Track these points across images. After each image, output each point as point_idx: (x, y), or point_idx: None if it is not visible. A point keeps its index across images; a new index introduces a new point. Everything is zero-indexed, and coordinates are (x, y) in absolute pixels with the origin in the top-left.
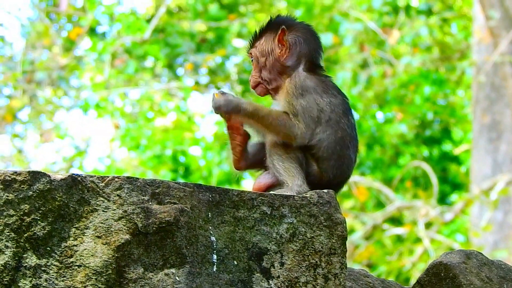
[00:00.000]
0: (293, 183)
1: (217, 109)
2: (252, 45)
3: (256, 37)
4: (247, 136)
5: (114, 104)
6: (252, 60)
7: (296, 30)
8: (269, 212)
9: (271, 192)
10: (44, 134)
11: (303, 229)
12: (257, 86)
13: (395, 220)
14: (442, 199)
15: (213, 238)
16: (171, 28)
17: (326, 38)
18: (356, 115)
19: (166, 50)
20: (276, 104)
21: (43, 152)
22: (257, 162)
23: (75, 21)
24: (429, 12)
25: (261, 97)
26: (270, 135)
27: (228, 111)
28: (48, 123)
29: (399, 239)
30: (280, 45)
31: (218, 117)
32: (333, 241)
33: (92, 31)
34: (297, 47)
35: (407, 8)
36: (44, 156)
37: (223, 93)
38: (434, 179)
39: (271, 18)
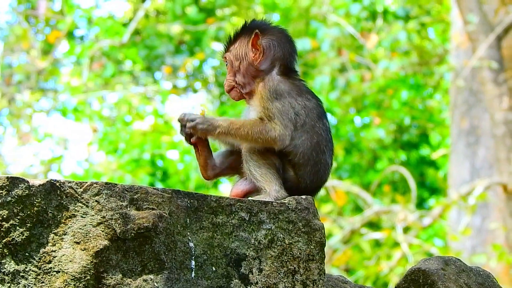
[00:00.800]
0: (271, 189)
1: (192, 127)
2: (227, 49)
3: (230, 42)
4: (210, 148)
5: (92, 107)
6: (226, 64)
7: (271, 34)
8: (247, 218)
9: (249, 198)
10: (22, 137)
11: (281, 235)
12: (232, 90)
13: (373, 225)
14: (420, 204)
15: (191, 244)
16: (148, 31)
17: (304, 43)
18: (333, 120)
19: (144, 52)
20: (250, 109)
21: (21, 155)
22: (226, 170)
23: (54, 25)
24: (407, 18)
25: (236, 101)
26: (250, 145)
27: (203, 129)
28: (26, 126)
29: (377, 243)
30: (253, 49)
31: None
32: (312, 247)
33: (70, 35)
34: (271, 51)
35: (385, 13)
36: (22, 159)
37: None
38: (412, 183)
39: (245, 22)
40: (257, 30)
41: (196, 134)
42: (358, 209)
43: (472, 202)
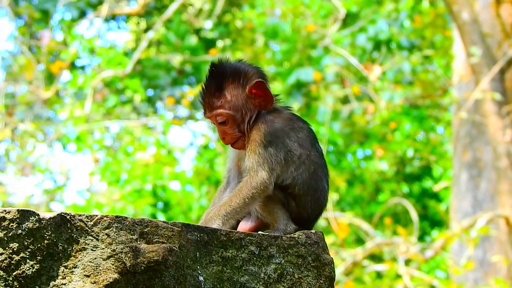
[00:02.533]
0: (279, 223)
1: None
2: (214, 107)
3: (216, 95)
4: None
5: (94, 137)
6: (224, 122)
7: (257, 75)
8: (257, 252)
9: (259, 232)
10: (24, 167)
11: (291, 270)
12: (237, 141)
13: (375, 257)
14: (422, 236)
15: (201, 278)
16: (149, 61)
17: (307, 73)
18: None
19: (144, 82)
20: (246, 154)
21: (22, 185)
22: None
23: (57, 55)
24: (411, 48)
25: (237, 149)
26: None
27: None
28: (28, 156)
29: (378, 275)
30: (254, 95)
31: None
32: (321, 281)
33: (72, 65)
34: (266, 92)
35: (389, 43)
36: (23, 189)
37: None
38: (414, 216)
39: (223, 68)
40: (260, 79)
41: None
42: (360, 241)
43: (474, 235)
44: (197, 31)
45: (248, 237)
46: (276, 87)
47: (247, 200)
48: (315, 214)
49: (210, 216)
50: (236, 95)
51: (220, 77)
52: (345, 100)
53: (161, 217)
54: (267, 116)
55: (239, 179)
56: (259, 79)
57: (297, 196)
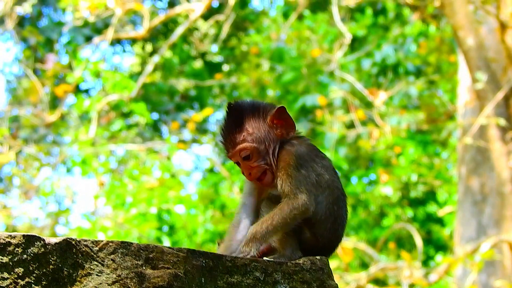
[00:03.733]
0: (286, 250)
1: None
2: (236, 142)
3: (236, 131)
4: None
5: (100, 161)
6: (247, 156)
7: (274, 106)
8: (262, 278)
9: (265, 258)
10: (28, 191)
11: None
12: (265, 174)
13: (379, 281)
14: (426, 261)
15: None
16: (152, 86)
17: (313, 99)
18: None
19: (148, 107)
20: (278, 183)
21: (27, 209)
22: None
23: (62, 78)
24: (417, 73)
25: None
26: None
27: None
28: (33, 179)
29: None
30: (276, 125)
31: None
32: None
33: (77, 89)
34: (288, 119)
35: (396, 67)
36: (28, 212)
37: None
38: (418, 240)
39: (239, 106)
40: (279, 106)
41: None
42: (364, 265)
43: (478, 259)
44: (203, 55)
45: (253, 263)
46: None
47: (288, 220)
48: (331, 245)
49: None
50: (257, 127)
51: (239, 114)
52: (350, 125)
53: (166, 240)
54: (291, 142)
55: (255, 215)
56: (281, 106)
57: (317, 223)
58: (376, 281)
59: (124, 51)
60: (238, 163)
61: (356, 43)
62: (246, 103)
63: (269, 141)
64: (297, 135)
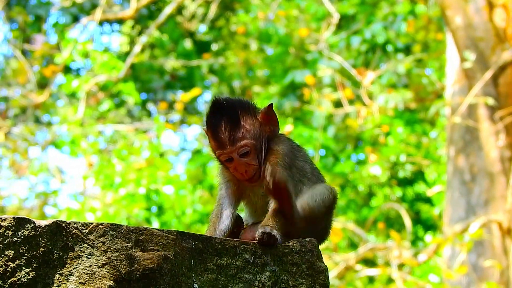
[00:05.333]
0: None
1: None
2: (236, 139)
3: (234, 128)
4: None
5: (88, 141)
6: (247, 153)
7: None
8: (251, 260)
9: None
10: (17, 171)
11: (285, 277)
12: (256, 173)
13: (368, 261)
14: (415, 241)
15: (196, 286)
16: (142, 65)
17: (302, 75)
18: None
19: (137, 86)
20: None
21: (16, 189)
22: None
23: (50, 59)
24: (407, 51)
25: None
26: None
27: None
28: (21, 159)
29: (371, 280)
30: (265, 121)
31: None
32: None
33: (66, 68)
34: (275, 116)
35: (385, 46)
36: (17, 192)
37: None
38: (407, 220)
39: (230, 103)
40: (271, 103)
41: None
42: (353, 246)
43: (467, 239)
44: (191, 35)
45: (242, 245)
46: (270, 89)
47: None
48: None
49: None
50: (253, 124)
51: (233, 110)
52: (338, 104)
53: (155, 221)
54: (275, 141)
55: (235, 206)
56: (271, 103)
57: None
58: (365, 261)
59: (112, 31)
60: (228, 161)
61: (344, 21)
62: (236, 99)
63: (261, 138)
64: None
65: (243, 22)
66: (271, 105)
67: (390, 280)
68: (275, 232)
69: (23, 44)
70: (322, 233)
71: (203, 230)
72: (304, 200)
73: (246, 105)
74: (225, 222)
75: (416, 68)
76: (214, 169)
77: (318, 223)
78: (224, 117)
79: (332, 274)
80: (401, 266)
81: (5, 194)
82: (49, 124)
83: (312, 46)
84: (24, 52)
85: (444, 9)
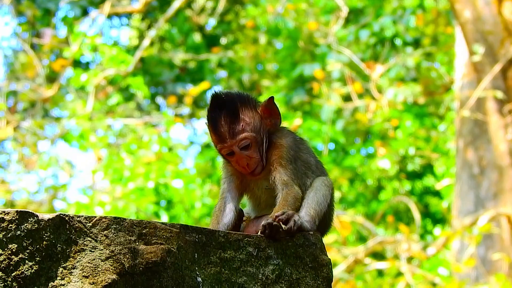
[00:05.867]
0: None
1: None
2: (236, 132)
3: (234, 121)
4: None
5: (97, 135)
6: (246, 146)
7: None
8: (255, 253)
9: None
10: (27, 165)
11: (288, 271)
12: (258, 166)
13: (377, 255)
14: (424, 234)
15: (199, 279)
16: (151, 59)
17: (312, 69)
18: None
19: (146, 79)
20: (273, 173)
21: (25, 183)
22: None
23: (59, 53)
24: (415, 45)
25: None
26: None
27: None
28: (31, 153)
29: (380, 273)
30: (266, 114)
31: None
32: (319, 282)
33: (75, 62)
34: (276, 109)
35: (393, 39)
36: (26, 186)
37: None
38: (416, 214)
39: (230, 97)
40: (271, 96)
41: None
42: (362, 239)
43: (476, 233)
44: (200, 29)
45: (246, 238)
46: (279, 83)
47: (294, 207)
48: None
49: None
50: (253, 117)
51: (232, 104)
52: (347, 98)
53: (164, 215)
54: (277, 135)
55: (238, 200)
56: (271, 96)
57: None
58: (374, 254)
59: (121, 24)
60: (230, 154)
61: (353, 15)
62: (236, 93)
63: (262, 131)
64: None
65: (252, 16)
66: (271, 98)
67: (398, 274)
68: (297, 217)
69: (32, 38)
70: (324, 226)
71: None
72: (312, 208)
73: (246, 98)
74: (229, 215)
75: (425, 62)
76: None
77: (321, 220)
78: (224, 111)
79: (341, 268)
80: (410, 260)
81: (14, 188)
82: (58, 118)
83: (321, 39)
84: (33, 46)
85: (453, 3)
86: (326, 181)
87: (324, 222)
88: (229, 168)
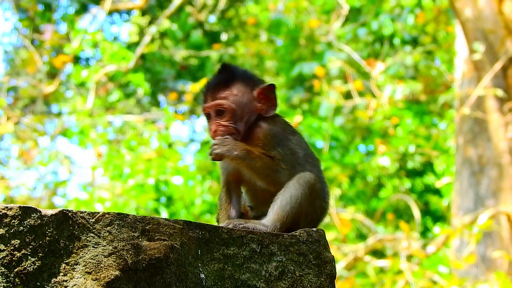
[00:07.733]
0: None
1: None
2: (217, 97)
3: (222, 88)
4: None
5: (98, 132)
6: (220, 112)
7: (264, 82)
8: (258, 250)
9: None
10: (26, 161)
11: (292, 267)
12: (230, 136)
13: (377, 252)
14: (424, 232)
15: (202, 276)
16: (152, 55)
17: (311, 67)
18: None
19: (147, 76)
20: None
21: (25, 179)
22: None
23: (59, 49)
24: (414, 43)
25: None
26: (254, 177)
27: (221, 153)
28: (31, 149)
29: (381, 271)
30: (260, 99)
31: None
32: (322, 279)
33: (76, 58)
34: (273, 98)
35: (392, 38)
36: (26, 182)
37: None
38: (416, 211)
39: (233, 68)
40: (270, 83)
41: (214, 156)
42: (362, 237)
43: (476, 231)
44: (201, 25)
45: (249, 235)
46: (279, 80)
47: (261, 170)
48: (326, 213)
49: (238, 145)
50: (242, 92)
51: (230, 74)
52: (347, 96)
53: (164, 211)
54: (266, 120)
55: (239, 190)
56: (271, 83)
57: (321, 193)
58: (374, 252)
59: (122, 21)
60: (208, 116)
61: (352, 14)
62: (241, 69)
63: (247, 109)
64: (273, 115)
65: (253, 13)
66: (271, 85)
67: (398, 271)
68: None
69: (32, 34)
70: (313, 216)
71: (212, 220)
72: (275, 210)
73: (247, 76)
74: (235, 206)
75: (425, 60)
76: None
77: (301, 216)
78: (219, 77)
79: (341, 265)
80: (410, 258)
81: (14, 184)
82: (58, 114)
83: (321, 37)
84: (34, 42)
85: (453, 1)
86: (304, 179)
87: (311, 213)
88: None
